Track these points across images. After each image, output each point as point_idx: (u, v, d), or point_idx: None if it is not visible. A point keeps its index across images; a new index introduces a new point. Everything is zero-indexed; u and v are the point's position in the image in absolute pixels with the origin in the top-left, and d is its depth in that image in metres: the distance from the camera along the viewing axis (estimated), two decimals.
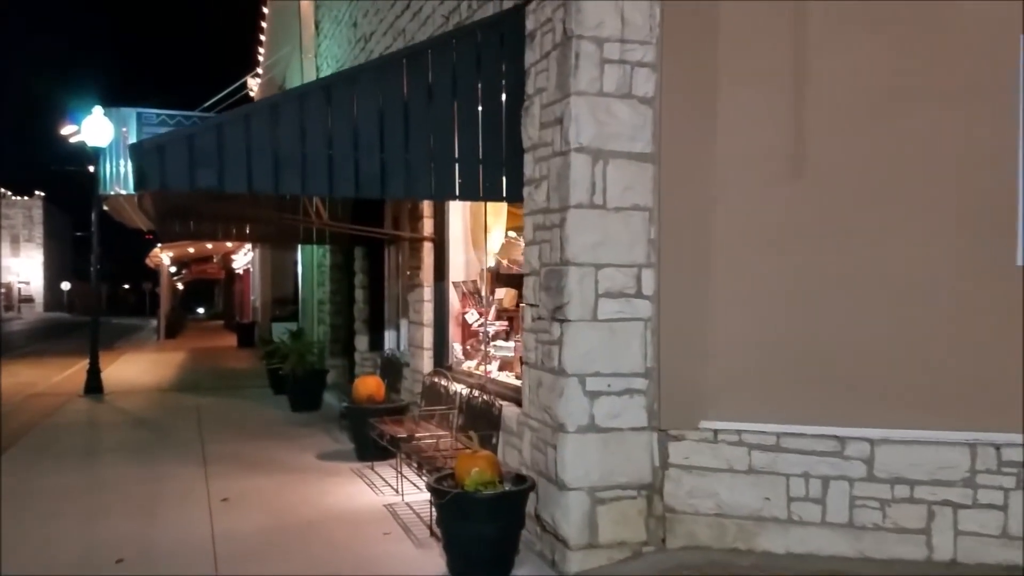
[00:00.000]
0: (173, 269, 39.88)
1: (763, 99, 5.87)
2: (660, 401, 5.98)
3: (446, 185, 6.54)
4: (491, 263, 8.69)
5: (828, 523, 5.72)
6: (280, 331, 16.76)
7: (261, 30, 21.79)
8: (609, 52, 5.83)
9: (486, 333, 8.50)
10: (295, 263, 22.56)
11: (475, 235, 8.98)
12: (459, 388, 8.19)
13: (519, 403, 6.99)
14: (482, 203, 8.61)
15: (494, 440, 7.00)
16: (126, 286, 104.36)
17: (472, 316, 8.95)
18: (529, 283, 6.43)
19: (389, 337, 12.04)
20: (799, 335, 5.83)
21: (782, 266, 5.86)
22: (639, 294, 5.94)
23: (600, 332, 5.85)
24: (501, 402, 7.11)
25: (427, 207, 9.44)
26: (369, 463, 9.06)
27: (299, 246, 19.42)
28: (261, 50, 22.10)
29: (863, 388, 5.71)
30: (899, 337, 5.66)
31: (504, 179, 6.64)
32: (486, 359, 8.29)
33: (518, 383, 7.47)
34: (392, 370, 10.49)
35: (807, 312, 5.81)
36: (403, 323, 11.52)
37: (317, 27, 16.46)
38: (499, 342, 8.35)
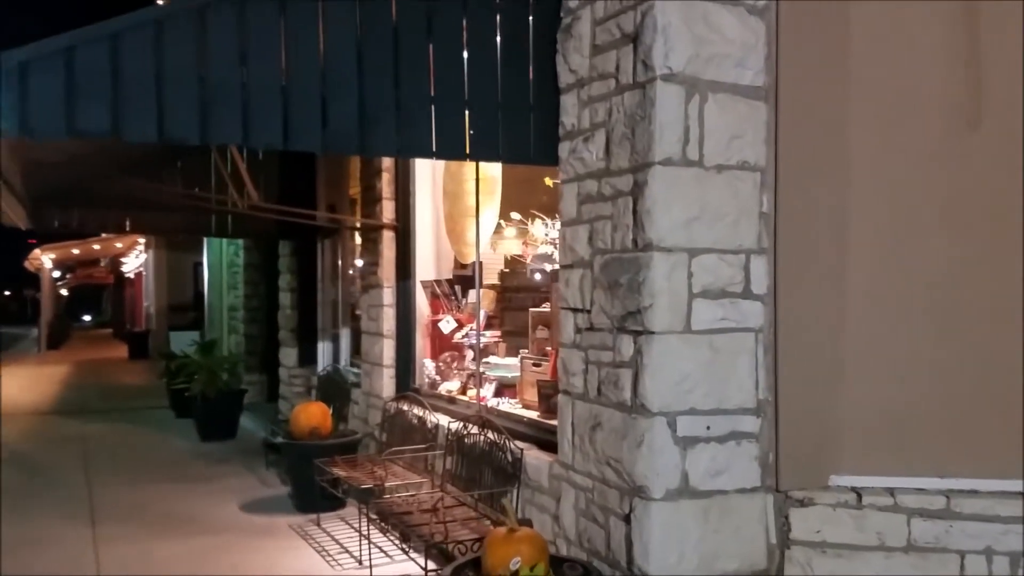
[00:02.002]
0: (57, 273, 36.45)
1: (918, 7, 4.09)
2: (778, 449, 4.14)
3: (452, 140, 4.59)
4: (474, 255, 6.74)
5: None
6: (184, 342, 14.32)
7: None
8: None
9: (474, 346, 6.54)
10: (198, 264, 20.09)
11: (453, 221, 7.00)
12: (442, 420, 6.21)
13: (544, 445, 5.10)
14: (466, 179, 6.67)
15: (508, 498, 5.05)
16: (7, 292, 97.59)
17: (448, 324, 6.96)
18: (573, 279, 4.52)
19: (325, 350, 9.94)
20: (976, 352, 4.06)
21: (953, 255, 4.08)
22: (747, 293, 4.09)
23: (697, 350, 3.97)
24: (518, 444, 5.15)
25: (387, 187, 7.39)
26: (313, 515, 6.98)
27: (205, 242, 16.96)
28: None
29: None
30: None
31: (531, 132, 4.71)
32: (476, 381, 6.31)
33: (532, 415, 5.58)
34: (335, 393, 8.39)
35: (987, 319, 4.05)
36: (344, 333, 9.45)
37: None
38: (493, 358, 6.40)
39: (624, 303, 4.06)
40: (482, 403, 6.10)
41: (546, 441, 5.12)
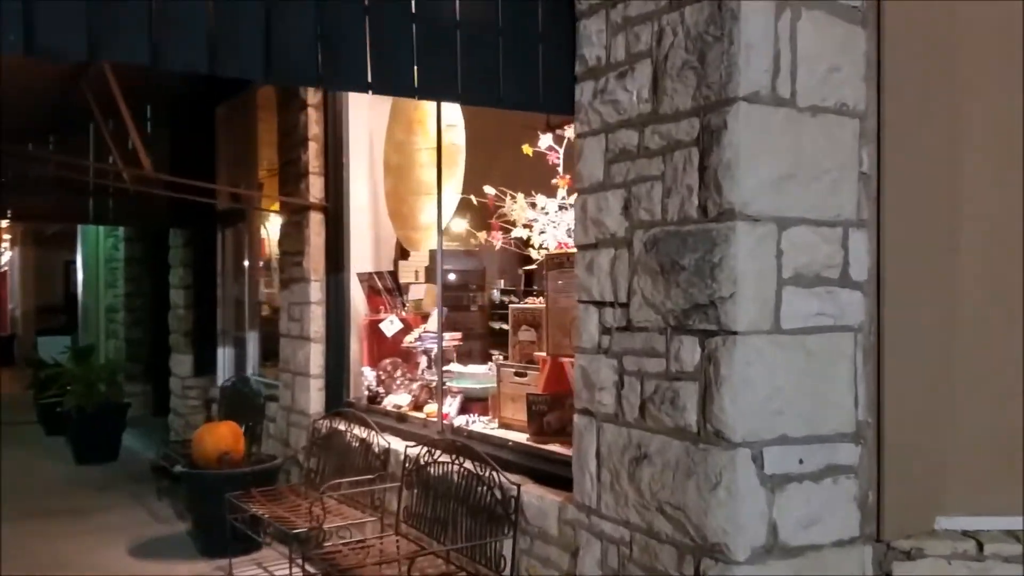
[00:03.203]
0: None
1: None
2: (880, 486, 3.14)
3: (440, 74, 3.43)
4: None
5: None
6: (55, 348, 12.59)
7: None
8: None
9: (429, 351, 5.37)
10: (70, 262, 18.18)
11: (399, 201, 5.81)
12: (394, 444, 5.02)
13: (540, 478, 4.01)
14: (417, 149, 5.52)
15: (498, 547, 3.92)
16: None
17: (392, 325, 5.77)
18: (600, 263, 3.42)
19: (226, 357, 8.55)
20: None
21: None
22: (845, 279, 3.08)
23: (790, 355, 2.93)
24: (510, 479, 4.01)
25: (314, 159, 6.11)
26: (222, 560, 5.68)
27: (79, 237, 15.10)
28: None
29: None
30: None
31: (540, 70, 3.59)
32: (438, 394, 5.14)
33: (518, 438, 4.46)
34: (244, 408, 7.05)
35: None
36: (252, 336, 8.11)
37: None
38: (455, 366, 5.24)
39: (688, 293, 2.98)
40: (444, 420, 4.94)
41: (542, 472, 4.02)
